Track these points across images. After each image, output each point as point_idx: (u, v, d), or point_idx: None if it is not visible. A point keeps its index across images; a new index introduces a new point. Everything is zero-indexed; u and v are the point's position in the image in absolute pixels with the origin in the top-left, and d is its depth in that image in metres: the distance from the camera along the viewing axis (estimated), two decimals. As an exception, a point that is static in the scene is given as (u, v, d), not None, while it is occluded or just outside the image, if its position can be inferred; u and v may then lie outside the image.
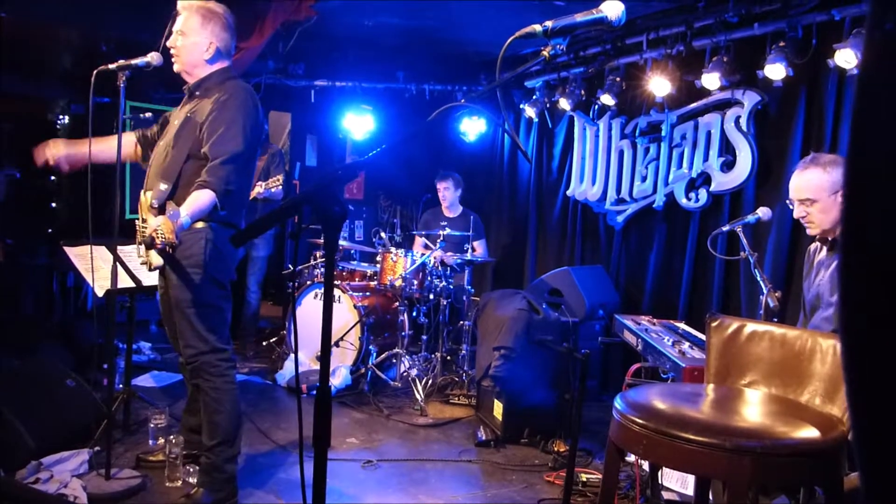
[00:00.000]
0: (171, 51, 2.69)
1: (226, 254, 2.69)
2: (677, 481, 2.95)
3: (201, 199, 2.51)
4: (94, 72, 2.69)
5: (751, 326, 1.97)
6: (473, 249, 5.55)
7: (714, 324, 2.03)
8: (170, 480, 2.94)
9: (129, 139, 2.98)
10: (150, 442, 3.32)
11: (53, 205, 5.93)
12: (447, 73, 6.16)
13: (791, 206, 2.60)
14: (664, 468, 2.80)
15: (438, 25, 5.02)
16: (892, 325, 0.51)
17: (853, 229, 0.53)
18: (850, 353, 0.54)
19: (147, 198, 2.58)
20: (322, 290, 4.81)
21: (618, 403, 1.69)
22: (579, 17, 1.44)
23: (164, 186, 2.60)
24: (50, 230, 5.71)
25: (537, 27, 1.44)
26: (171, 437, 2.98)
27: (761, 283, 2.68)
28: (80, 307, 5.64)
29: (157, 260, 2.58)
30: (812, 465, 1.52)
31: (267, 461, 3.34)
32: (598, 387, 4.70)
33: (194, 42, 2.67)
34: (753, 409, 1.75)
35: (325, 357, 1.29)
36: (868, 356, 0.53)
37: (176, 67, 2.73)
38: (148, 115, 3.52)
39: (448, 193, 5.52)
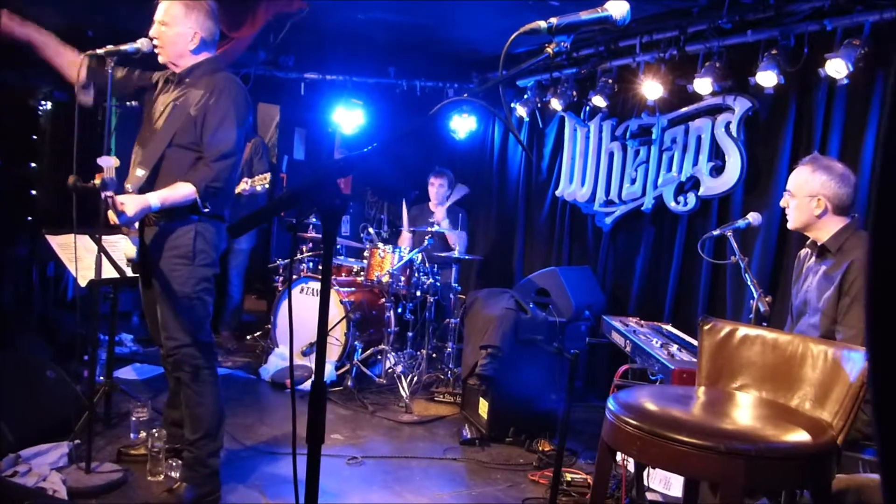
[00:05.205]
0: (155, 41, 2.64)
1: (213, 246, 2.69)
2: (661, 482, 2.97)
3: (180, 191, 2.51)
4: (83, 56, 2.64)
5: (743, 330, 1.98)
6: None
7: (706, 327, 2.03)
8: (151, 475, 2.89)
9: (76, 58, 2.70)
10: (132, 435, 3.27)
11: (34, 192, 5.80)
12: (439, 70, 6.13)
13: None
14: (649, 469, 2.82)
15: (431, 23, 5.00)
16: None
17: (882, 252, 0.52)
18: (875, 370, 0.53)
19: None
20: (308, 285, 4.78)
21: (611, 404, 1.69)
22: (584, 16, 1.43)
23: (140, 173, 2.59)
24: (30, 218, 5.58)
25: (542, 23, 1.42)
26: (154, 430, 2.94)
27: (752, 287, 2.69)
28: (59, 298, 5.53)
29: (130, 251, 2.58)
30: (803, 468, 1.53)
31: (251, 456, 3.31)
32: (584, 387, 4.72)
33: (178, 32, 2.63)
34: (745, 412, 1.75)
35: (320, 352, 1.27)
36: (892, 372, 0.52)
37: (161, 59, 2.69)
38: (135, 103, 3.44)
39: (442, 190, 5.53)
